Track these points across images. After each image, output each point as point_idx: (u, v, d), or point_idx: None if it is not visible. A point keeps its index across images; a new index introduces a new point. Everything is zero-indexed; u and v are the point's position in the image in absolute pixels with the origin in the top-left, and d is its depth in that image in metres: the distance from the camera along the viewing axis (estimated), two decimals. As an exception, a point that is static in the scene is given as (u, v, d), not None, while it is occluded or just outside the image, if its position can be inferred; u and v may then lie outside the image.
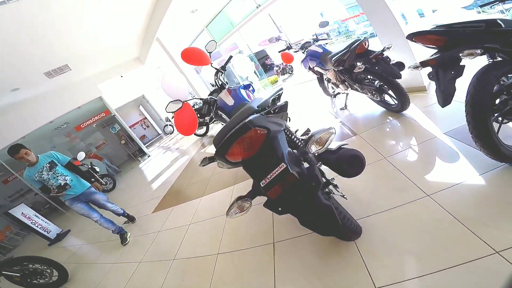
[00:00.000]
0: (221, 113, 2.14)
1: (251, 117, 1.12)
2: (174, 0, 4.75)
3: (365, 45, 2.34)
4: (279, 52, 3.66)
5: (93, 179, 3.08)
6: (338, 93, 3.30)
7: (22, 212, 4.72)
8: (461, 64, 1.30)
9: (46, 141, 8.98)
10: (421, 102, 2.52)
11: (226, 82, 2.34)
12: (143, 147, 9.45)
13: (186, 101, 1.95)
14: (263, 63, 17.92)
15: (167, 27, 5.97)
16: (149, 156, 9.28)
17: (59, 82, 6.52)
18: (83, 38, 5.02)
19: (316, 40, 3.42)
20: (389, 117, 2.58)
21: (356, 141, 2.46)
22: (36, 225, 4.72)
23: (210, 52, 2.29)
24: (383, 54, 2.25)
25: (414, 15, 5.77)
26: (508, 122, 1.41)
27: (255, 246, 1.87)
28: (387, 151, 2.08)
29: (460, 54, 1.23)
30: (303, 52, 3.53)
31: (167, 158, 7.06)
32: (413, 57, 2.62)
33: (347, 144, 1.32)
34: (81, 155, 6.64)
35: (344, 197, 1.55)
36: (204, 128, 6.70)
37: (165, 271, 2.17)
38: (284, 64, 9.35)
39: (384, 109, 2.72)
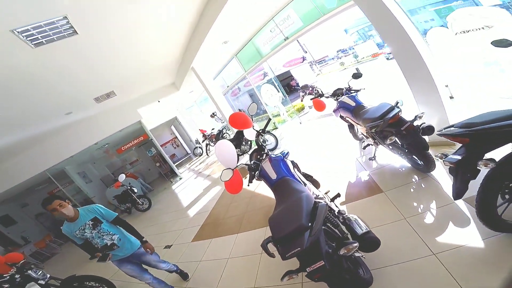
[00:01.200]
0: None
1: (307, 239, 1.36)
2: (209, 33, 5.09)
3: (398, 116, 2.48)
4: (311, 99, 3.79)
5: (143, 239, 2.66)
6: (369, 145, 3.42)
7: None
8: (477, 168, 1.48)
9: (88, 157, 9.89)
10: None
11: (265, 144, 2.54)
12: (175, 169, 9.94)
13: (236, 167, 2.23)
14: (288, 84, 18.22)
15: (201, 56, 6.42)
16: (180, 179, 9.67)
17: (106, 106, 7.18)
18: (128, 64, 5.49)
19: (349, 90, 3.52)
20: (415, 176, 2.71)
21: (381, 199, 2.63)
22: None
23: (252, 115, 2.60)
24: (413, 126, 2.39)
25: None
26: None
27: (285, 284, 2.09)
28: (407, 212, 2.27)
29: (478, 162, 1.42)
30: (335, 99, 3.65)
31: (199, 184, 7.37)
32: (446, 119, 2.78)
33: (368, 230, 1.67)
34: (122, 177, 7.23)
35: (363, 257, 1.79)
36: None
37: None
38: (311, 86, 9.31)
39: (411, 166, 2.83)
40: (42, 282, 3.09)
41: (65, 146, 7.39)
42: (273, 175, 2.17)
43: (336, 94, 3.65)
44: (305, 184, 2.16)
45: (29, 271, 3.10)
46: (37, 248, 8.19)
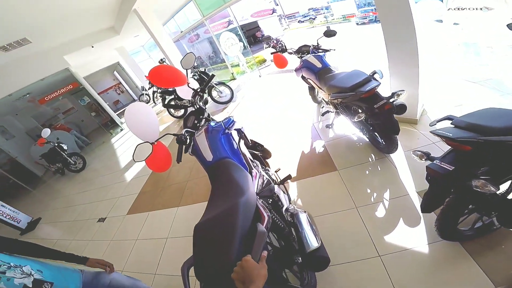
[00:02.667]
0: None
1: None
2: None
3: (374, 91, 2.03)
4: (272, 53, 3.25)
5: (82, 256, 1.46)
6: (328, 111, 3.05)
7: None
8: (468, 186, 1.12)
9: (7, 109, 8.11)
10: (408, 144, 2.39)
11: (204, 107, 1.98)
12: (116, 118, 8.85)
13: (157, 140, 1.65)
14: (253, 34, 16.76)
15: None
16: (122, 130, 8.74)
17: (19, 54, 5.84)
18: (42, 6, 4.26)
19: (317, 49, 3.03)
20: (372, 154, 2.46)
21: (334, 178, 2.38)
22: (4, 215, 4.38)
23: (187, 69, 1.95)
24: (390, 105, 1.98)
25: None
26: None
27: None
28: (360, 199, 2.05)
29: (474, 180, 1.06)
30: (298, 57, 3.16)
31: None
32: (417, 99, 2.44)
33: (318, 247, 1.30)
34: (46, 132, 6.12)
35: None
36: (182, 111, 6.29)
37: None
38: (276, 39, 8.53)
39: (369, 142, 2.57)
40: None
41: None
42: (208, 156, 1.62)
43: (301, 51, 3.15)
44: (251, 167, 1.69)
45: None
46: None
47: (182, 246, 2.48)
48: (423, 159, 1.28)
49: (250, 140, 2.25)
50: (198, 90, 2.00)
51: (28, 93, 7.47)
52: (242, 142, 1.89)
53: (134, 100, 13.69)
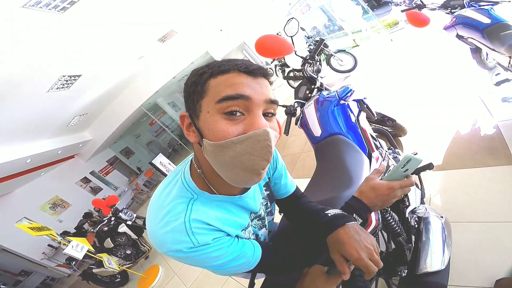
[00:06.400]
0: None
1: None
2: None
3: None
4: (402, 11, 2.40)
5: None
6: (507, 80, 1.99)
7: (160, 161, 5.71)
8: None
9: (174, 88, 10.78)
10: None
11: (315, 76, 1.71)
12: None
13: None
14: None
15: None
16: None
17: (171, 44, 7.38)
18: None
19: (476, 1, 2.05)
20: None
21: (507, 174, 1.54)
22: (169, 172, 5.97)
23: (292, 36, 1.72)
24: None
25: None
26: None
27: None
28: None
29: None
30: (447, 13, 2.25)
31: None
32: None
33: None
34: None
35: None
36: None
37: None
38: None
39: None
40: (129, 222, 3.59)
41: (148, 85, 8.23)
42: (317, 130, 1.41)
43: (449, 5, 2.19)
44: (371, 148, 1.33)
45: (120, 213, 3.63)
46: (147, 178, 9.35)
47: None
48: None
49: (378, 112, 1.83)
50: (307, 58, 1.83)
51: (185, 75, 9.64)
52: (363, 115, 1.52)
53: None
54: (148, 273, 3.33)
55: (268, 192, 0.83)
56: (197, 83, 0.55)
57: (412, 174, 1.43)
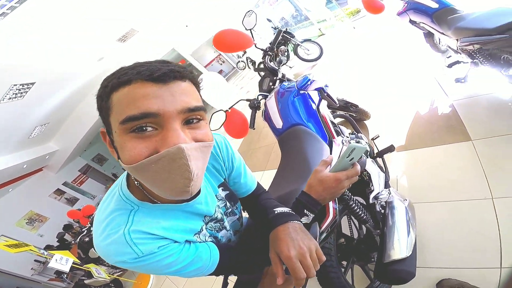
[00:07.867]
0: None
1: None
2: None
3: None
4: None
5: None
6: (457, 62, 2.11)
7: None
8: None
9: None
10: None
11: (276, 67, 1.70)
12: None
13: (230, 108, 1.54)
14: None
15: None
16: None
17: (133, 44, 6.92)
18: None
19: None
20: None
21: (464, 151, 1.63)
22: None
23: (251, 29, 1.68)
24: None
25: None
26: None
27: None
28: (501, 187, 1.34)
29: None
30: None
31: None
32: None
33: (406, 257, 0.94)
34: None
35: None
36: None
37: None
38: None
39: None
40: None
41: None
42: (278, 122, 1.42)
43: None
44: (332, 135, 1.34)
45: None
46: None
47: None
48: None
49: (340, 99, 1.88)
50: (267, 50, 1.86)
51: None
52: (323, 103, 1.53)
53: (234, 68, 14.91)
54: (141, 279, 3.32)
55: (227, 192, 0.78)
56: (102, 97, 0.47)
57: (375, 157, 1.48)
